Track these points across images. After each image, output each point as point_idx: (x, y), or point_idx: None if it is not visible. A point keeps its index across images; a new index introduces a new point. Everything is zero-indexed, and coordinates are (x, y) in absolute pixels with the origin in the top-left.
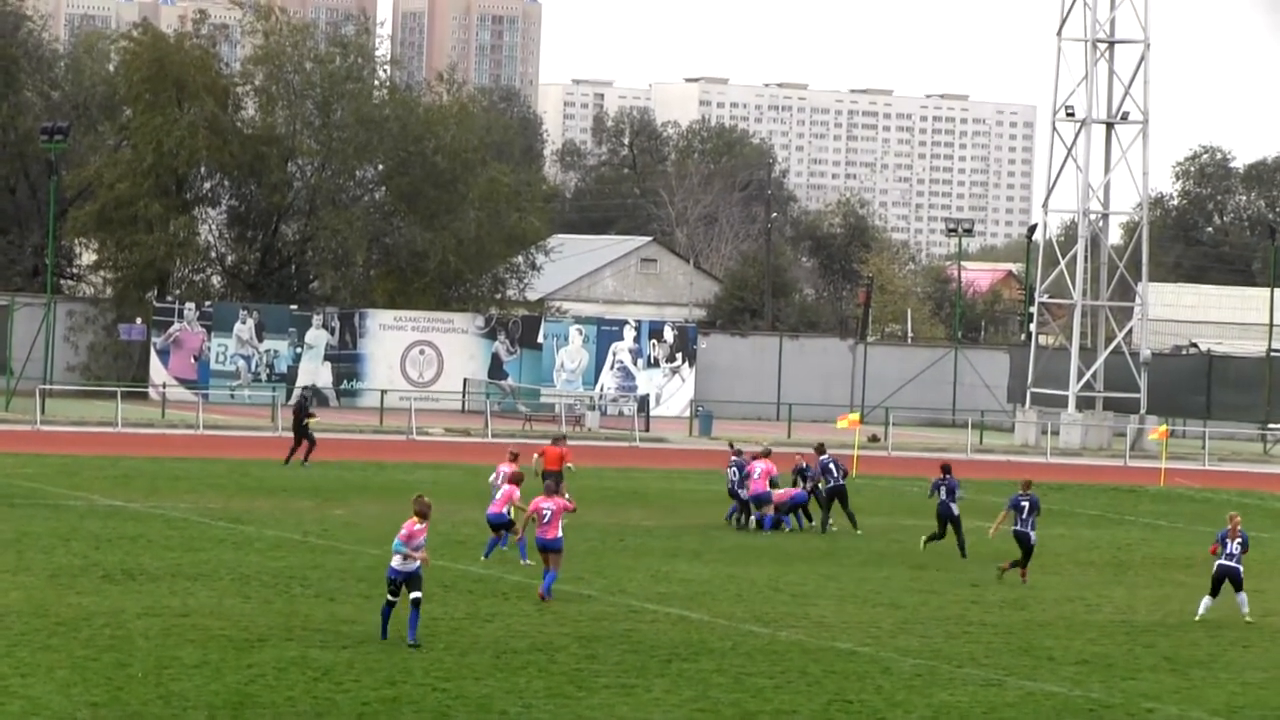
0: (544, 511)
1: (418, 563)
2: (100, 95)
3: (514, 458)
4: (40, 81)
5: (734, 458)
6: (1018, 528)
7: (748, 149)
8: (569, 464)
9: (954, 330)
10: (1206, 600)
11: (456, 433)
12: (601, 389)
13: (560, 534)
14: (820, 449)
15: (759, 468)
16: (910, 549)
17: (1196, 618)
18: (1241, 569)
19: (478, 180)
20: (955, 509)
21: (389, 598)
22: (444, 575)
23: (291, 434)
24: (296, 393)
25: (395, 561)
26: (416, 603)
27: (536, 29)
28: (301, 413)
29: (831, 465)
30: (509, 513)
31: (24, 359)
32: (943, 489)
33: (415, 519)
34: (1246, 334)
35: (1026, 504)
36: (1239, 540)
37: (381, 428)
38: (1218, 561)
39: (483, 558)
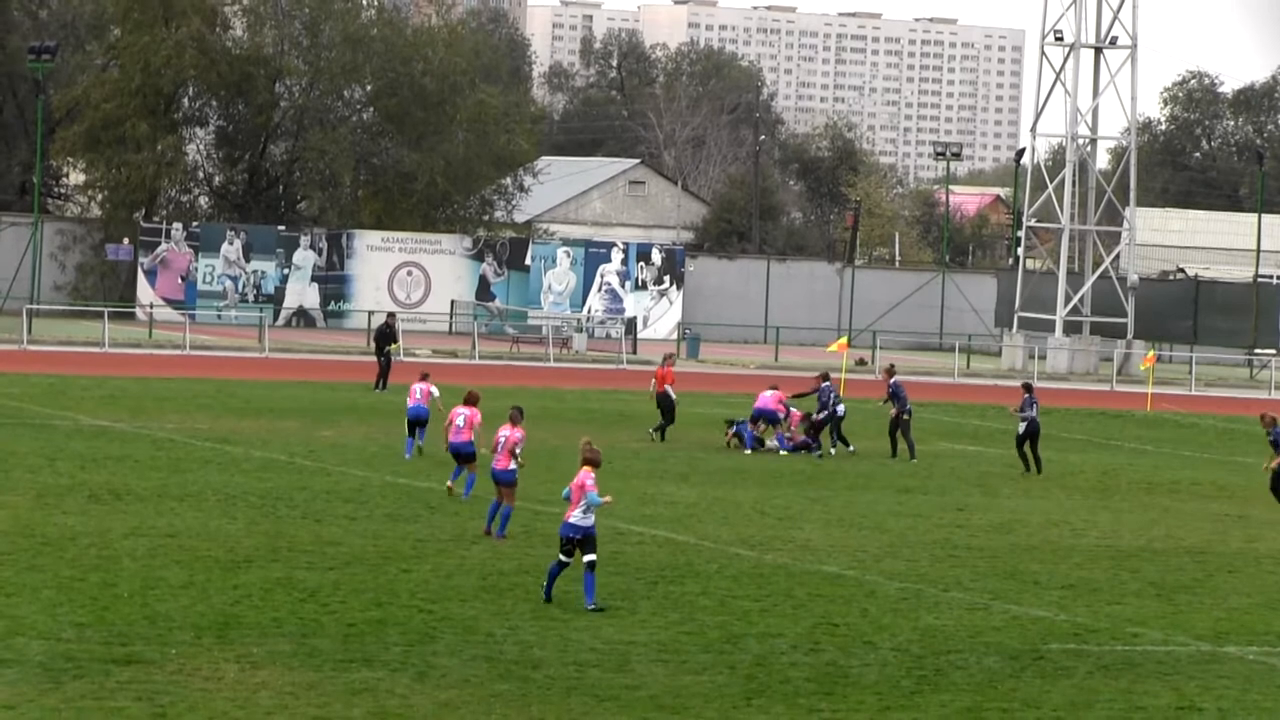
0: (457, 418)
1: (593, 520)
2: (88, 14)
3: (424, 377)
4: (28, 1)
5: (824, 383)
6: None
7: (736, 72)
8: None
9: (941, 254)
10: None
11: (444, 354)
12: (589, 311)
13: (513, 465)
14: (825, 376)
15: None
16: (896, 472)
17: None
18: None
19: (465, 102)
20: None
21: (561, 558)
22: (430, 497)
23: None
24: (381, 316)
25: (574, 516)
26: (591, 565)
27: None
28: (383, 339)
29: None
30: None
31: (11, 278)
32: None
33: (588, 469)
34: (1233, 259)
35: None
36: None
37: (368, 349)
38: None
39: (464, 496)
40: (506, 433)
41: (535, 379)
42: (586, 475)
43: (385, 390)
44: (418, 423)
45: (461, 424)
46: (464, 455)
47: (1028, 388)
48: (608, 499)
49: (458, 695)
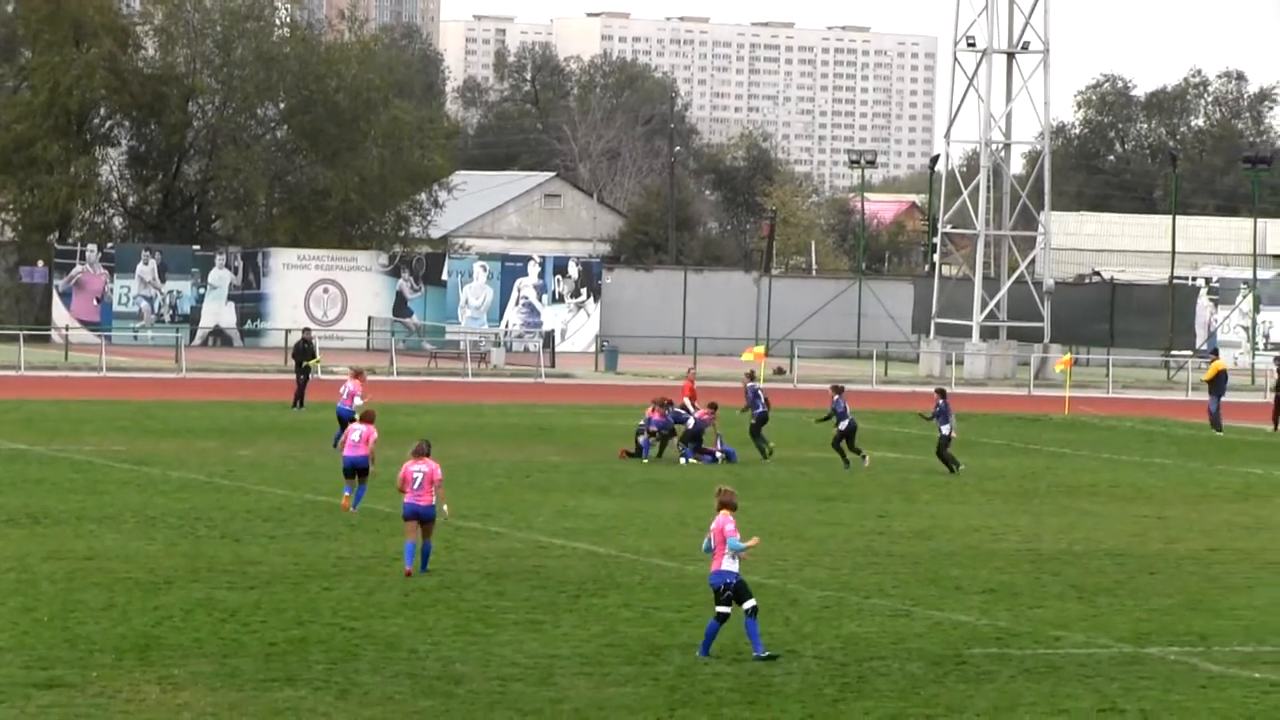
0: (414, 477)
1: (737, 564)
2: None
3: (358, 374)
4: None
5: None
6: None
7: (650, 83)
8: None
9: (858, 262)
10: None
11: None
12: (506, 325)
13: (434, 501)
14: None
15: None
16: (817, 481)
17: None
18: None
19: (379, 118)
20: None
21: (719, 610)
22: (350, 514)
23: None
24: (298, 335)
25: (725, 562)
26: (753, 611)
27: None
28: (301, 355)
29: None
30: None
31: None
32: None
33: (726, 513)
34: (1149, 262)
35: None
36: None
37: (286, 367)
38: None
39: (352, 509)
40: (423, 468)
41: (454, 394)
42: (726, 520)
43: (302, 409)
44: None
45: (357, 439)
46: (360, 469)
47: (838, 389)
48: (753, 542)
49: (381, 713)
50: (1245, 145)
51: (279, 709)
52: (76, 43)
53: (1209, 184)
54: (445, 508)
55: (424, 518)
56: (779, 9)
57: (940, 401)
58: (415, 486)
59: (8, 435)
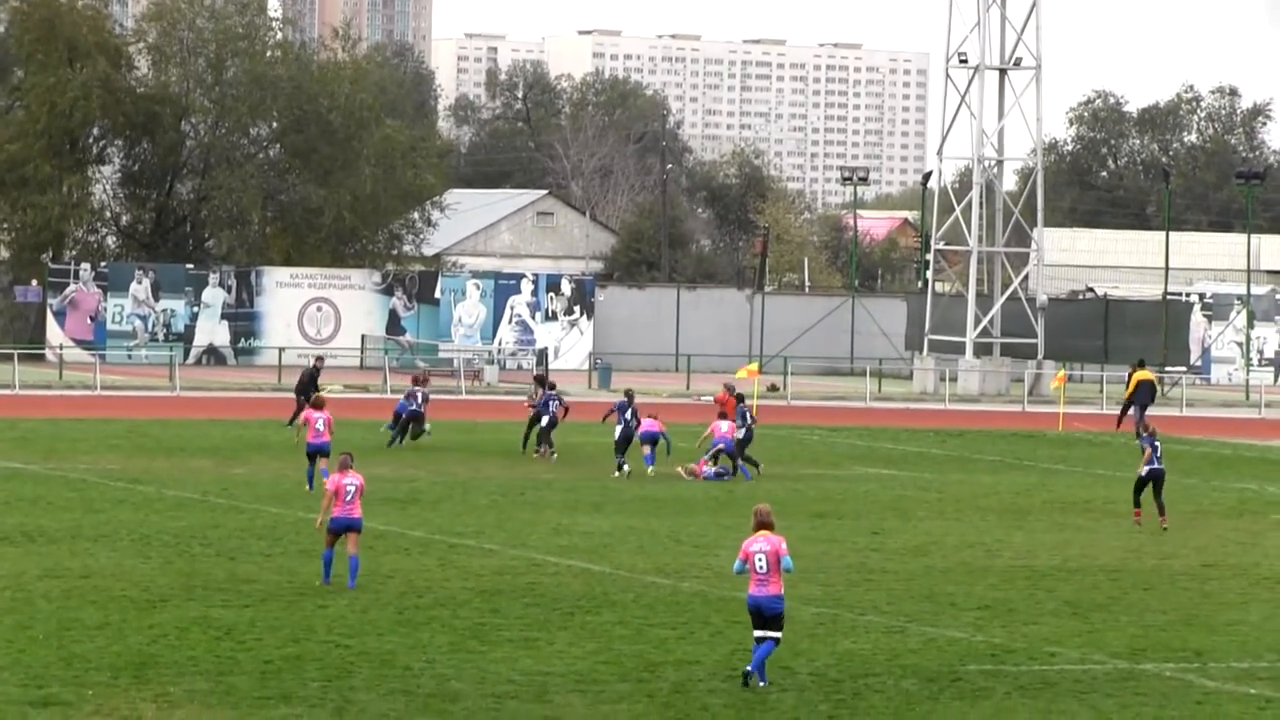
0: (347, 490)
1: (778, 590)
2: None
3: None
4: None
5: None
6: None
7: (642, 101)
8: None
9: (851, 279)
10: None
11: (355, 389)
12: (500, 343)
13: (362, 514)
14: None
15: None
16: (810, 498)
17: None
18: None
19: (372, 137)
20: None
21: (758, 633)
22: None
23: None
24: (310, 360)
25: (753, 587)
26: (776, 642)
27: None
28: (310, 380)
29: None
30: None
31: None
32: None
33: (759, 532)
34: (1142, 278)
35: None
36: None
37: (280, 385)
38: None
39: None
40: (354, 480)
41: (448, 412)
42: (781, 541)
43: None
44: (320, 454)
45: (321, 427)
46: (324, 453)
47: (629, 393)
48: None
49: None
50: (1238, 161)
51: None
52: (70, 62)
53: (1202, 200)
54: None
55: (356, 529)
56: (770, 26)
57: (740, 404)
58: (348, 499)
59: (2, 454)
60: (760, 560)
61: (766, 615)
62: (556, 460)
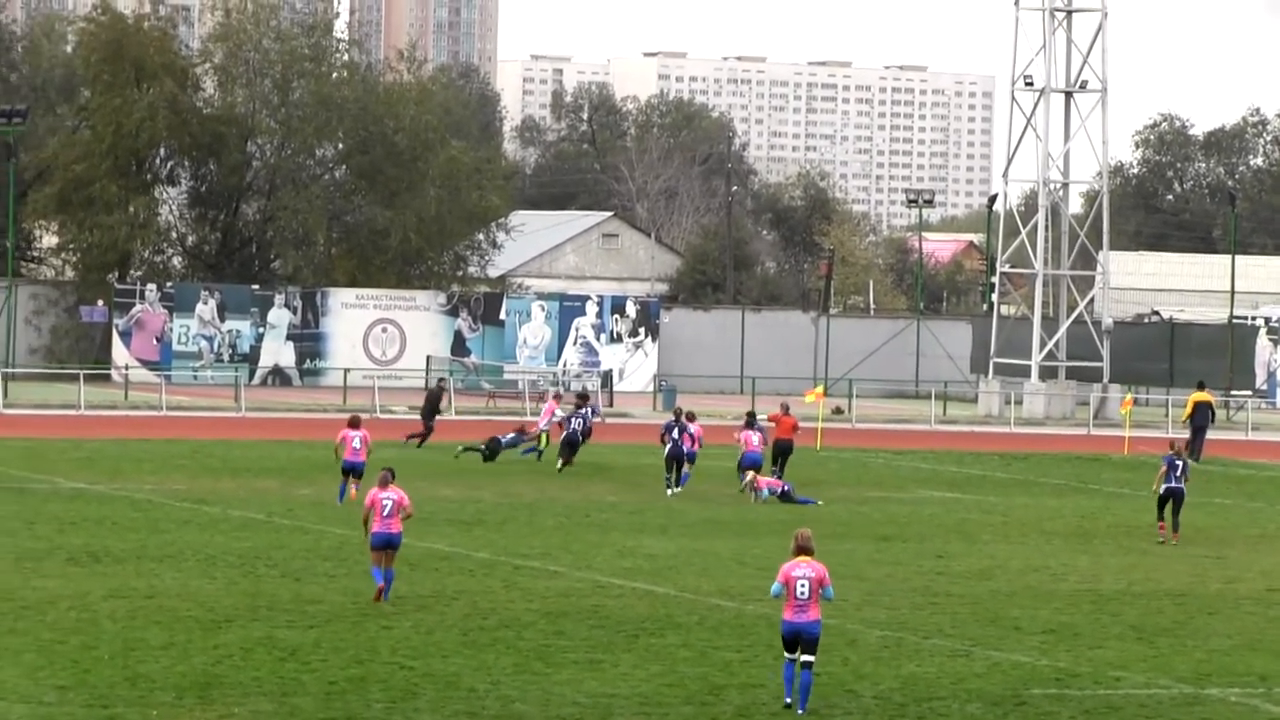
0: (384, 504)
1: (817, 616)
2: (58, 77)
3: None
4: None
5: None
6: None
7: (707, 122)
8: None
9: (916, 301)
10: None
11: (420, 410)
12: (564, 365)
13: (402, 529)
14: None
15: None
16: (874, 520)
17: None
18: None
19: (437, 158)
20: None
21: (787, 655)
22: (410, 553)
23: (421, 419)
24: (434, 379)
25: (791, 613)
26: (808, 665)
27: (494, 5)
28: (435, 401)
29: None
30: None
31: None
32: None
33: (800, 557)
34: (1207, 301)
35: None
36: None
37: (345, 406)
38: None
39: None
40: (391, 496)
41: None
42: (824, 570)
43: (418, 446)
44: (353, 472)
45: (358, 445)
46: (357, 473)
47: (679, 413)
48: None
49: None
50: None
51: None
52: (137, 83)
53: (1268, 223)
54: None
55: (394, 544)
56: (836, 49)
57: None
58: (385, 514)
59: (68, 474)
60: (803, 586)
61: (804, 640)
62: (561, 472)
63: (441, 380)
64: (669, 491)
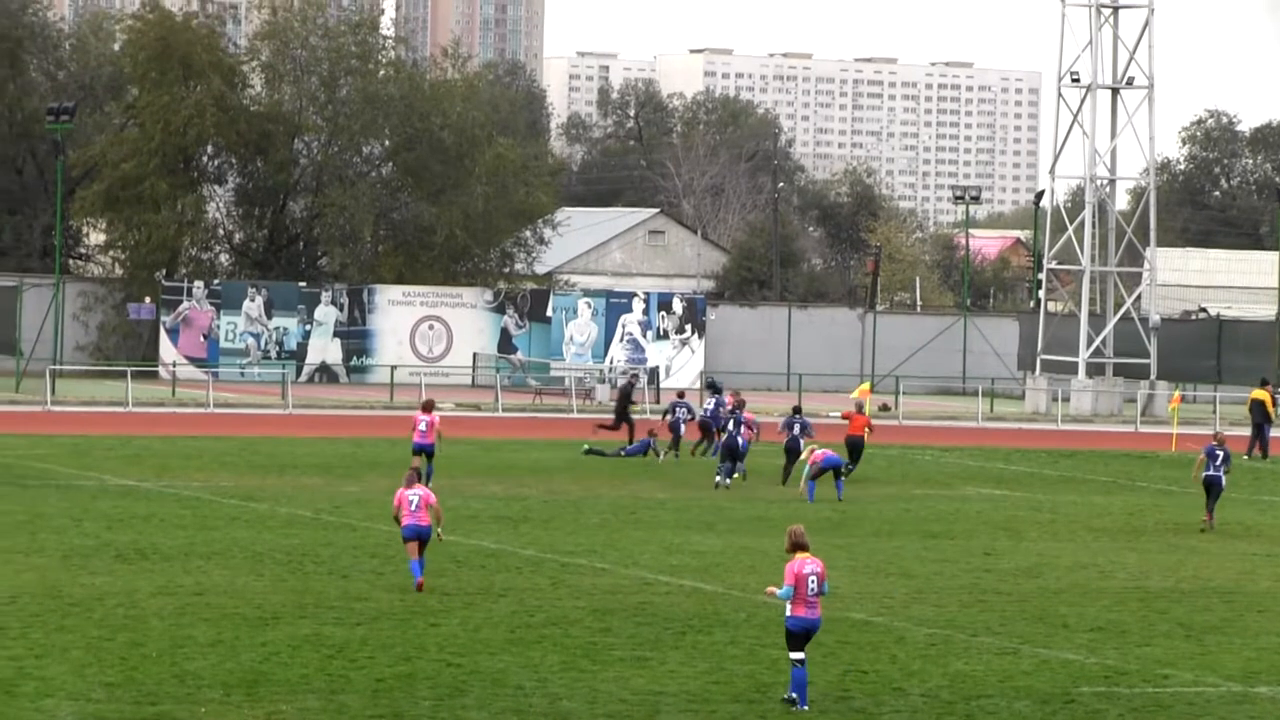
0: (411, 499)
1: (821, 612)
2: (106, 75)
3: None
4: (46, 62)
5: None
6: None
7: (753, 119)
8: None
9: (963, 298)
10: None
11: (467, 407)
12: (611, 361)
13: (431, 522)
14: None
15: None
16: (922, 517)
17: None
18: None
19: (484, 155)
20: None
21: (794, 656)
22: (457, 550)
23: (613, 416)
24: (622, 377)
25: (803, 609)
26: (801, 662)
27: (540, 2)
28: (626, 397)
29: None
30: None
31: (34, 340)
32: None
33: (801, 554)
34: (1255, 298)
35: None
36: None
37: (392, 403)
38: None
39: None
40: (418, 493)
41: (558, 430)
42: (818, 563)
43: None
44: (423, 453)
45: (424, 428)
46: (427, 452)
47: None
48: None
49: None
50: None
51: None
52: (185, 81)
53: None
54: (439, 529)
55: (423, 537)
56: (882, 45)
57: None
58: (413, 508)
59: (116, 471)
60: (813, 583)
61: (810, 636)
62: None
63: (633, 377)
64: (726, 482)
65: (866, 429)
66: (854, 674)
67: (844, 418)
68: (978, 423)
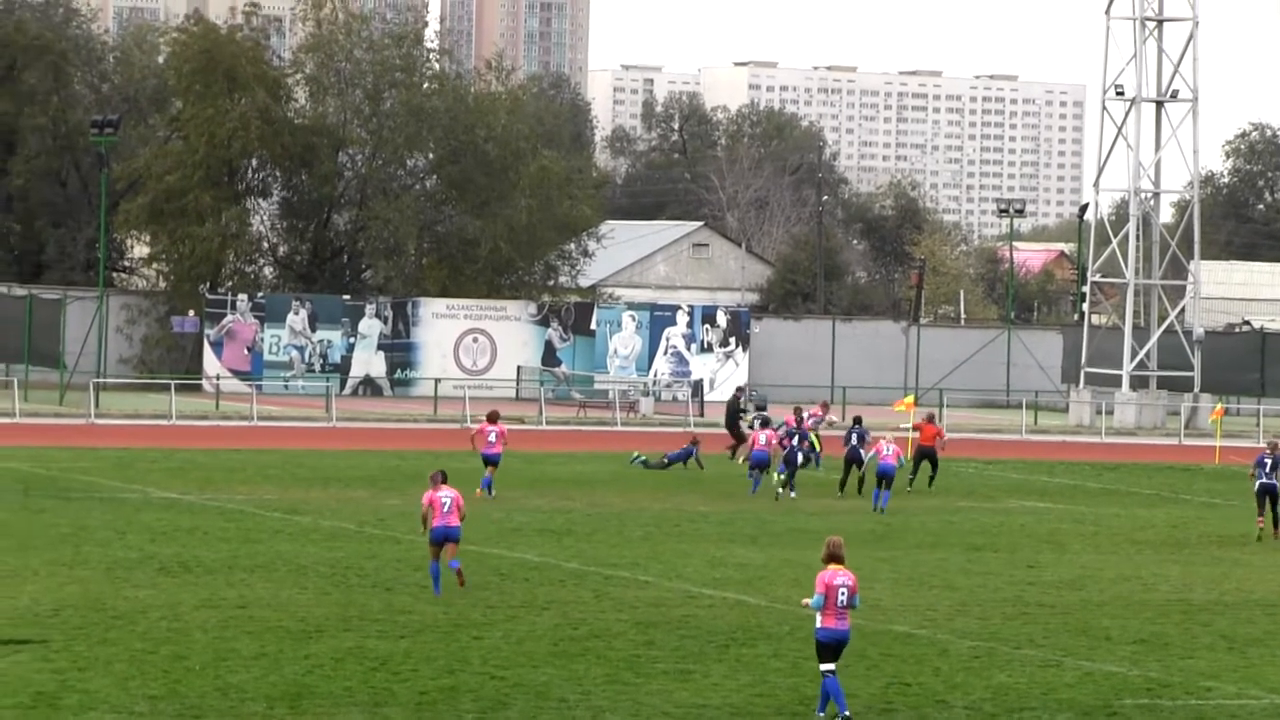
0: (443, 501)
1: (850, 623)
2: (150, 88)
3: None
4: (90, 74)
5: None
6: None
7: (797, 132)
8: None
9: (1007, 311)
10: None
11: (511, 420)
12: (655, 374)
13: (460, 523)
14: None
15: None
16: (966, 530)
17: None
18: None
19: (528, 168)
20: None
21: (824, 668)
22: (500, 563)
23: (726, 430)
24: (731, 391)
25: (833, 621)
26: (832, 672)
27: (585, 15)
28: (735, 410)
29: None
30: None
31: (77, 353)
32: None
33: (834, 565)
34: None
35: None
36: None
37: (436, 416)
38: None
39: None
40: (449, 494)
41: (602, 443)
42: (850, 576)
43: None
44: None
45: (494, 439)
46: (494, 463)
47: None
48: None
49: None
50: None
51: None
52: (229, 94)
53: None
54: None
55: (454, 539)
56: (926, 58)
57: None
58: (445, 510)
59: (160, 484)
60: (843, 595)
61: (841, 648)
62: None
63: (739, 390)
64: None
65: (938, 439)
66: (897, 686)
67: (914, 429)
68: (1021, 435)
